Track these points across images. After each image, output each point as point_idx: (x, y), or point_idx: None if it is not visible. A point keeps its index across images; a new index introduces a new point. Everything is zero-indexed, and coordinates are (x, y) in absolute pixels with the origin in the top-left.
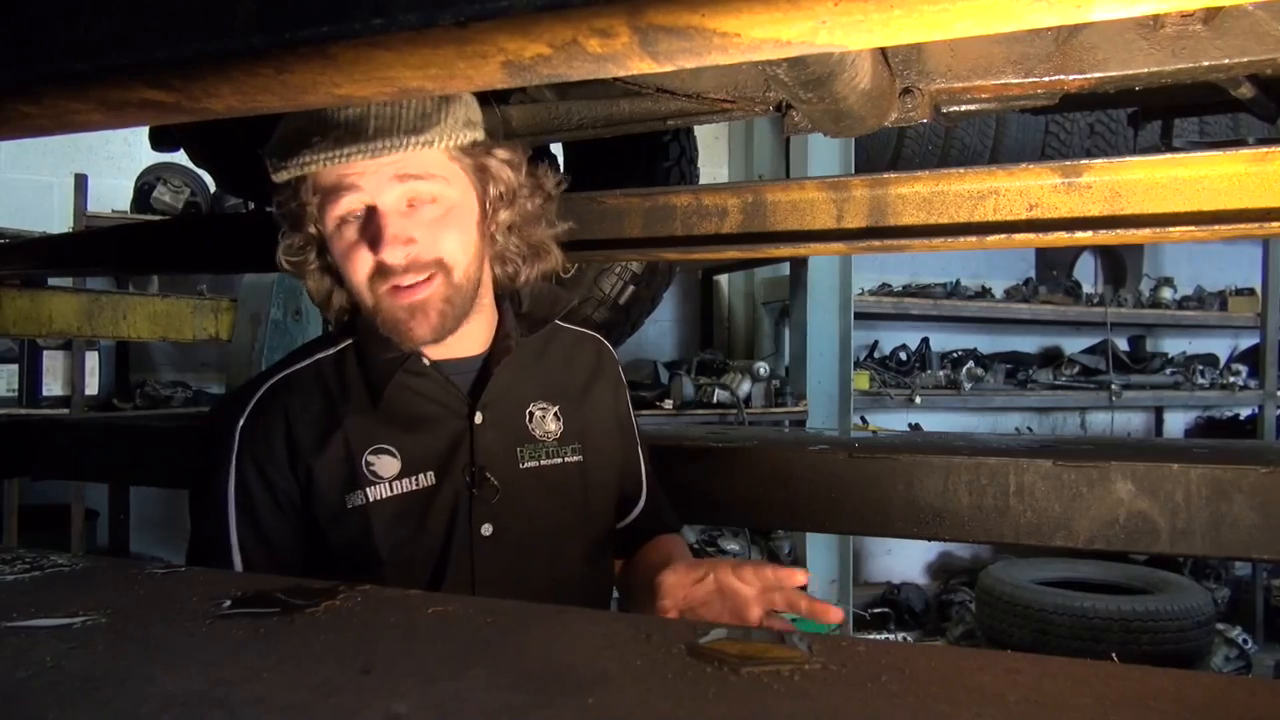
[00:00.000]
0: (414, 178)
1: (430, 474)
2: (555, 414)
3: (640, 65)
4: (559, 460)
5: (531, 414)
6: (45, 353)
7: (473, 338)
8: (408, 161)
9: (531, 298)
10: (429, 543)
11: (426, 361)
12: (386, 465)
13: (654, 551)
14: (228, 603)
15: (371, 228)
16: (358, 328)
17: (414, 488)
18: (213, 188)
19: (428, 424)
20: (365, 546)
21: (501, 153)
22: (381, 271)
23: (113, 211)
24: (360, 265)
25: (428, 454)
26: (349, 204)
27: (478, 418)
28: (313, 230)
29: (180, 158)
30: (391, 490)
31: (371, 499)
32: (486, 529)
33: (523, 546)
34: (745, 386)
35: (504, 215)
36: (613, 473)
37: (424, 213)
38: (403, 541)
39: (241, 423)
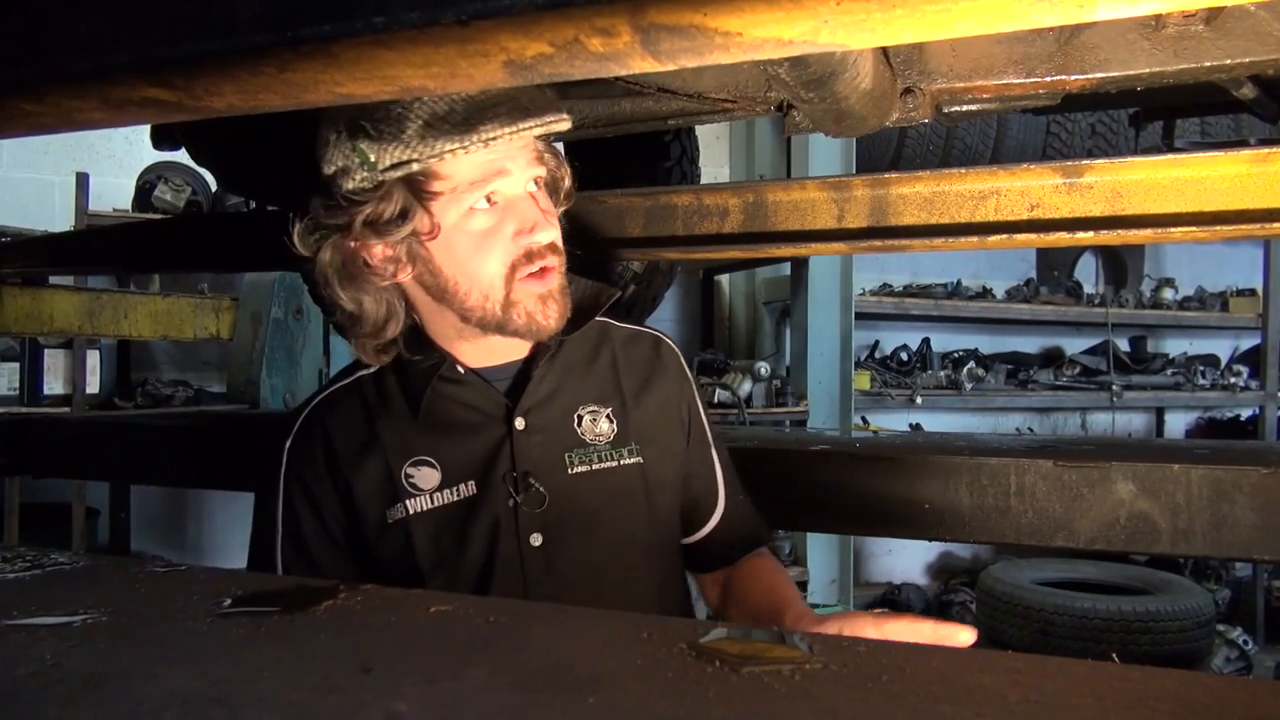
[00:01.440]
0: (541, 161)
1: (471, 484)
2: (608, 416)
3: (642, 64)
4: (614, 463)
5: (580, 418)
6: (46, 351)
7: (514, 341)
8: (532, 146)
9: (575, 295)
10: (473, 555)
11: (461, 369)
12: (426, 477)
13: (759, 589)
14: (228, 602)
15: (523, 209)
16: (398, 341)
17: (455, 498)
18: (214, 186)
19: (467, 432)
20: (407, 562)
21: (559, 151)
22: (528, 257)
23: (114, 210)
24: (501, 253)
25: (468, 463)
26: (496, 186)
27: (519, 423)
28: (411, 231)
29: (182, 156)
30: (432, 502)
31: (412, 511)
32: (536, 539)
33: (579, 555)
34: (746, 386)
35: (559, 213)
36: (676, 474)
37: (540, 199)
38: (445, 555)
39: (289, 443)
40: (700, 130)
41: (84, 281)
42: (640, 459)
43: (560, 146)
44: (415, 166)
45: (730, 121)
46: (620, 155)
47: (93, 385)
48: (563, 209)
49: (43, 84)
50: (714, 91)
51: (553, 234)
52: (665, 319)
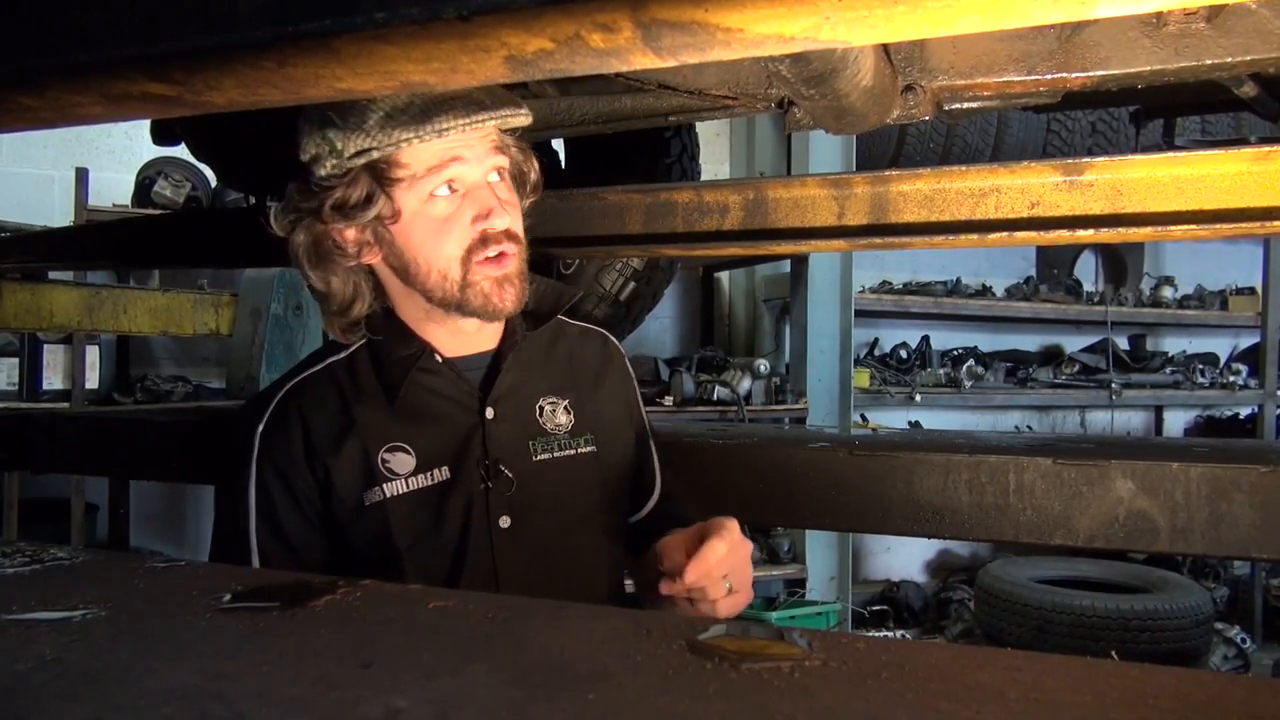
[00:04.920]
0: (501, 151)
1: (445, 469)
2: (565, 407)
3: (643, 60)
4: (572, 451)
5: (542, 408)
6: (46, 346)
7: (484, 333)
8: (492, 138)
9: (536, 294)
10: (447, 536)
11: (439, 359)
12: (402, 462)
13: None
14: (228, 597)
15: (481, 196)
16: (374, 328)
17: (429, 483)
18: (214, 182)
19: (440, 420)
20: (384, 542)
21: (524, 144)
22: (484, 241)
23: (114, 205)
24: (458, 237)
25: (442, 449)
26: (453, 174)
27: (489, 412)
28: (375, 215)
29: (181, 152)
30: (407, 486)
31: (388, 495)
32: (504, 521)
33: (542, 537)
34: (745, 384)
35: (525, 204)
36: (626, 463)
37: (498, 188)
38: (421, 536)
39: (261, 428)
40: (700, 127)
41: (83, 277)
42: (594, 448)
43: (561, 144)
44: (376, 154)
45: (731, 118)
46: (620, 152)
47: (92, 380)
48: (530, 200)
49: (42, 78)
50: (715, 88)
51: (507, 220)
52: (665, 316)
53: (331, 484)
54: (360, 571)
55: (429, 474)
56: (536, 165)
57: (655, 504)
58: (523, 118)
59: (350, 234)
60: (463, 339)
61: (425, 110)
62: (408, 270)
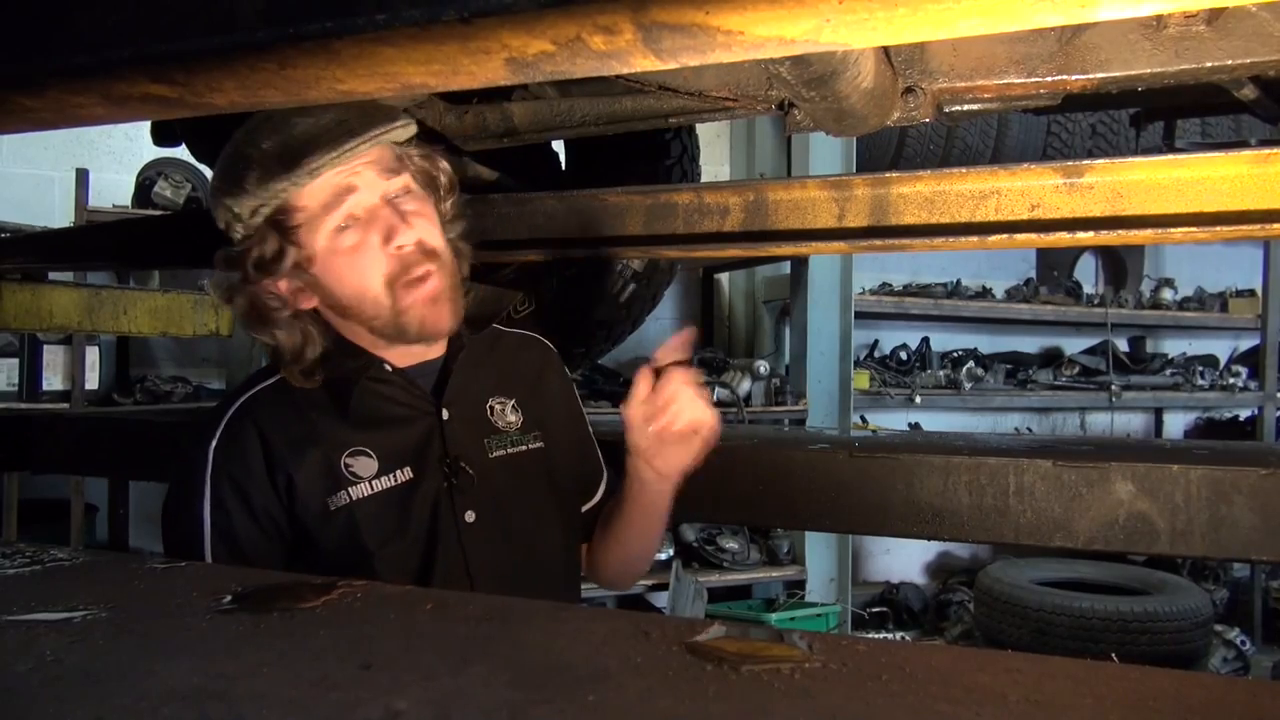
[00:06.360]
0: (391, 171)
1: (407, 469)
2: (513, 406)
3: (644, 62)
4: (524, 448)
5: (492, 408)
6: (45, 347)
7: (431, 344)
8: (382, 156)
9: (476, 299)
10: (415, 533)
11: (389, 368)
12: (365, 465)
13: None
14: (228, 598)
15: (381, 219)
16: (320, 363)
17: (393, 483)
18: None
19: (398, 424)
20: (354, 544)
21: (429, 147)
22: (402, 264)
23: (114, 206)
24: (376, 264)
25: (402, 451)
26: (352, 205)
27: (444, 413)
28: (293, 264)
29: (182, 152)
30: (372, 488)
31: (354, 498)
32: (470, 516)
33: (505, 531)
34: (745, 385)
35: (445, 208)
36: (572, 457)
37: (403, 204)
38: (390, 535)
39: (214, 444)
40: (700, 129)
41: (83, 277)
42: (542, 444)
43: (561, 145)
44: (265, 210)
45: (731, 120)
46: (621, 153)
47: (92, 381)
48: (450, 200)
49: (43, 79)
50: (715, 89)
51: (414, 233)
52: (665, 317)
53: (295, 492)
54: (331, 575)
55: (392, 475)
56: (445, 165)
57: (604, 493)
58: (401, 129)
59: (280, 286)
60: (412, 355)
61: (294, 155)
62: (343, 306)
